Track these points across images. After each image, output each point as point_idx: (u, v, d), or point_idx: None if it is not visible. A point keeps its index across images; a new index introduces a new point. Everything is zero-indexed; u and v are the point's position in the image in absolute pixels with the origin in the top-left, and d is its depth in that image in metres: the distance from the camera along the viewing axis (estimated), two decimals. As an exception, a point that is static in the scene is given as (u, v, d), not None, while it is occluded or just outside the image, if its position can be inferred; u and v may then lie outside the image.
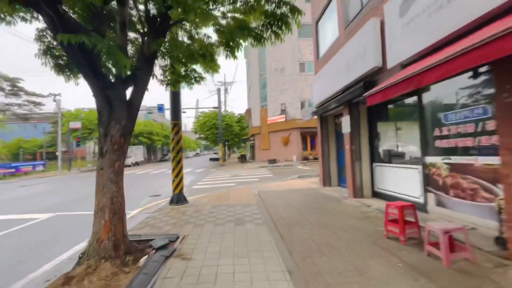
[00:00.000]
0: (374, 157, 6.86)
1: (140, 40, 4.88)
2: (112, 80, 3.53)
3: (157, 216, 6.07)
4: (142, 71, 3.67)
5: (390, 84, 3.47)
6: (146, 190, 11.56)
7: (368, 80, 5.81)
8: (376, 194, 6.79)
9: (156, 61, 5.45)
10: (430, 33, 3.89)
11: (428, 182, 4.86)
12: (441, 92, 4.53)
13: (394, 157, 6.19)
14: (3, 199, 11.06)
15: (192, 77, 5.73)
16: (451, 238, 3.17)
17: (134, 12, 4.78)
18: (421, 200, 5.04)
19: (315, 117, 10.12)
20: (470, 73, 3.91)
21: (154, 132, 41.71)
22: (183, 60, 4.59)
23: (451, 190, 4.34)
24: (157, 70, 5.48)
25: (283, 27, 4.60)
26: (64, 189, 13.84)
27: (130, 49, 5.38)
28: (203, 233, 4.69)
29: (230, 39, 4.23)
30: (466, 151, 4.05)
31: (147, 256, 3.56)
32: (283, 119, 27.35)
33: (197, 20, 4.24)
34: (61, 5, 2.92)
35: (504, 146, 3.11)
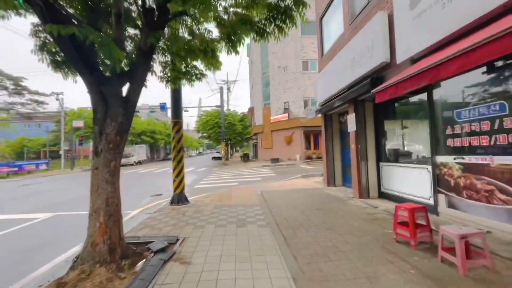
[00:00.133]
0: (381, 156, 6.64)
1: (140, 36, 4.72)
2: (108, 75, 3.36)
3: (157, 216, 5.92)
4: (139, 66, 3.50)
5: (402, 78, 3.26)
6: (147, 189, 11.45)
7: (375, 76, 5.59)
8: (382, 195, 6.57)
9: (155, 57, 5.31)
10: (444, 25, 3.66)
11: (439, 182, 4.64)
12: (454, 88, 4.30)
13: (401, 156, 5.97)
14: (4, 198, 11.02)
15: (193, 74, 5.56)
16: (467, 244, 2.96)
17: (134, 7, 4.62)
18: (431, 202, 4.83)
19: (319, 115, 9.91)
20: (486, 68, 3.69)
21: (157, 131, 41.73)
22: (183, 55, 4.41)
23: (464, 191, 4.12)
24: (157, 67, 5.33)
25: (287, 21, 4.41)
26: (65, 188, 13.80)
27: (130, 46, 5.22)
28: (204, 235, 4.52)
29: (231, 32, 4.05)
30: (480, 150, 3.83)
31: (145, 260, 3.40)
32: (286, 118, 27.10)
33: (196, 12, 4.06)
34: None
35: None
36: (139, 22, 4.65)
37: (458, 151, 4.21)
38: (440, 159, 4.58)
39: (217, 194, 8.69)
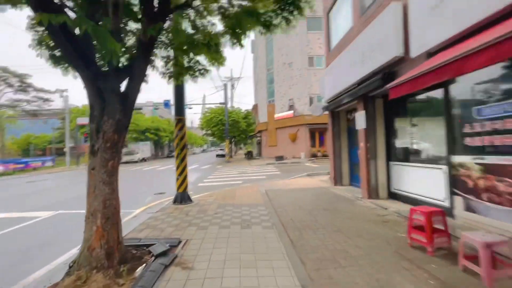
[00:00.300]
0: (391, 155, 6.37)
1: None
2: (106, 70, 3.17)
3: (159, 216, 5.76)
4: (138, 60, 3.30)
5: (421, 72, 3.00)
6: (151, 187, 11.36)
7: (388, 71, 5.32)
8: (392, 195, 6.32)
9: (157, 52, 5.11)
10: (466, 14, 3.38)
11: (455, 184, 4.38)
12: (473, 83, 4.01)
13: (413, 155, 5.70)
14: (7, 195, 11.01)
15: (196, 69, 5.35)
16: (492, 252, 2.72)
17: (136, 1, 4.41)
18: (446, 204, 4.57)
19: (326, 112, 9.64)
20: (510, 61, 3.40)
21: (161, 128, 41.70)
22: (186, 49, 4.20)
23: (484, 193, 3.85)
24: (159, 62, 5.13)
25: (295, 12, 4.17)
26: (68, 185, 13.79)
27: (131, 40, 5.01)
28: (207, 237, 4.35)
29: (236, 24, 3.82)
30: (504, 150, 3.56)
31: (145, 264, 3.24)
32: (291, 115, 26.75)
33: (200, 4, 3.85)
34: None
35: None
36: (140, 17, 4.45)
37: (478, 150, 3.94)
38: (457, 159, 4.31)
39: (221, 193, 8.52)
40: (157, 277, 2.94)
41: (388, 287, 2.70)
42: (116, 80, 3.11)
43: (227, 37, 4.56)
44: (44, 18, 2.14)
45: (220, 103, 31.32)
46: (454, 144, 4.38)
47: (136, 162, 32.13)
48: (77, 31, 3.19)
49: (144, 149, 36.53)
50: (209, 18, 4.78)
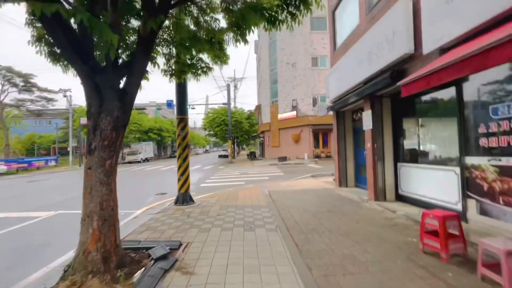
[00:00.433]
0: (399, 156, 6.17)
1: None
2: (104, 65, 3.04)
3: (160, 217, 5.62)
4: (138, 55, 3.16)
5: (437, 68, 2.82)
6: (153, 187, 11.25)
7: (396, 69, 5.13)
8: (400, 198, 6.12)
9: (159, 49, 4.98)
10: (485, 6, 3.20)
11: (469, 186, 4.18)
12: (488, 81, 3.83)
13: (423, 156, 5.50)
14: (9, 195, 10.97)
15: (199, 67, 5.22)
16: (514, 260, 2.53)
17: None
18: (458, 207, 4.37)
19: (330, 113, 9.45)
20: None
21: (163, 128, 41.78)
22: (188, 45, 4.06)
23: (500, 196, 3.66)
24: (160, 59, 5.01)
25: (301, 7, 4.00)
26: (70, 185, 13.74)
27: (132, 36, 4.89)
28: (209, 240, 4.19)
29: (240, 19, 3.67)
30: (522, 151, 3.37)
31: (143, 269, 3.09)
32: (294, 116, 26.55)
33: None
34: None
35: None
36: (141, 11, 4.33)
37: (494, 151, 3.74)
38: (471, 160, 4.11)
39: (224, 194, 8.37)
40: (156, 283, 2.79)
41: (402, 297, 2.53)
42: (114, 76, 2.98)
43: (230, 34, 4.42)
44: (37, 7, 2.01)
45: (223, 104, 31.23)
46: (468, 144, 4.19)
47: (139, 162, 32.15)
48: (73, 24, 3.09)
49: (147, 149, 36.57)
50: (212, 14, 4.65)
